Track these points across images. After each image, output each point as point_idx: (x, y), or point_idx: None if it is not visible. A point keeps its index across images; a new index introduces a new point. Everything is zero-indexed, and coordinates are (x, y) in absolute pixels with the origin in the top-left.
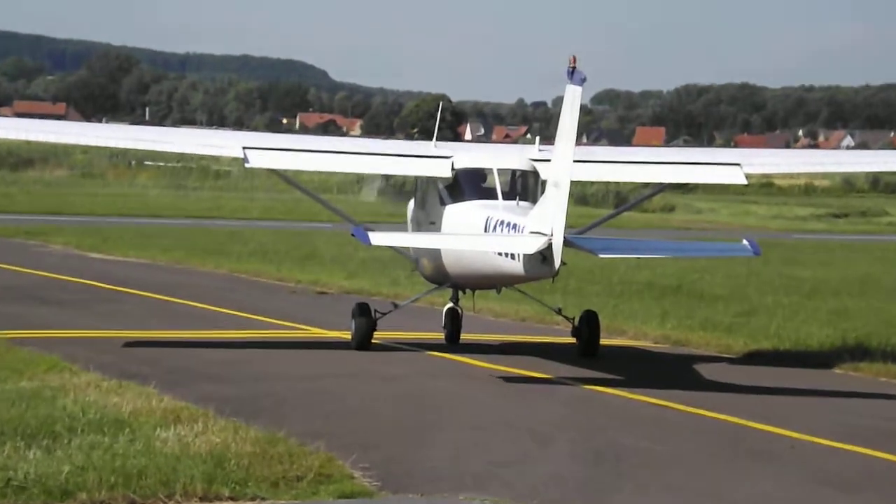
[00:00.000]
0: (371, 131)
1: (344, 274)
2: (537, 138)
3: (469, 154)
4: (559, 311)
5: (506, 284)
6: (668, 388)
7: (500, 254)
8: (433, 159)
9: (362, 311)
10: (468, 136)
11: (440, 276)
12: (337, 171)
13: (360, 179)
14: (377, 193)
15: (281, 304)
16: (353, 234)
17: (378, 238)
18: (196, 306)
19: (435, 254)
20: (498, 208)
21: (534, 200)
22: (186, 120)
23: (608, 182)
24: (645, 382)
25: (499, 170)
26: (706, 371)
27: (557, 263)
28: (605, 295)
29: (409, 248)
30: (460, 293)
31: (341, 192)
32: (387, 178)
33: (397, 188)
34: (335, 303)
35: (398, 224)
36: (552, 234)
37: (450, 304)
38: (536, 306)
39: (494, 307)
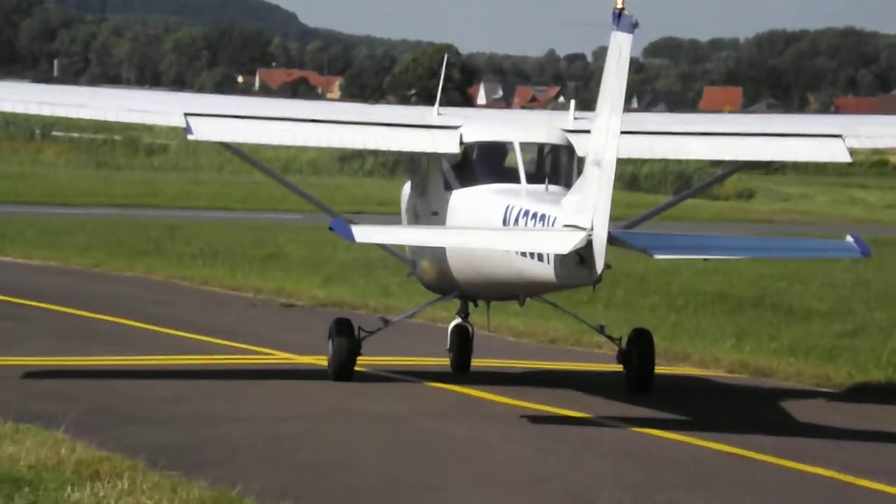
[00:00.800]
0: (354, 94)
1: (318, 280)
2: (572, 103)
3: (483, 124)
4: (601, 330)
5: (531, 294)
6: (747, 433)
7: (523, 254)
8: (436, 130)
9: (342, 329)
10: (482, 99)
11: (445, 283)
12: (309, 145)
13: (342, 157)
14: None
15: (235, 320)
16: (331, 228)
17: (363, 233)
18: (122, 324)
19: (438, 254)
20: (521, 194)
21: (568, 185)
22: (108, 77)
23: (666, 160)
24: (715, 425)
25: (522, 144)
26: (797, 410)
27: (600, 267)
28: (663, 308)
29: (403, 246)
30: (471, 305)
31: (315, 172)
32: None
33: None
34: (306, 318)
35: (390, 215)
36: (592, 229)
37: (457, 321)
38: (571, 323)
39: (516, 324)
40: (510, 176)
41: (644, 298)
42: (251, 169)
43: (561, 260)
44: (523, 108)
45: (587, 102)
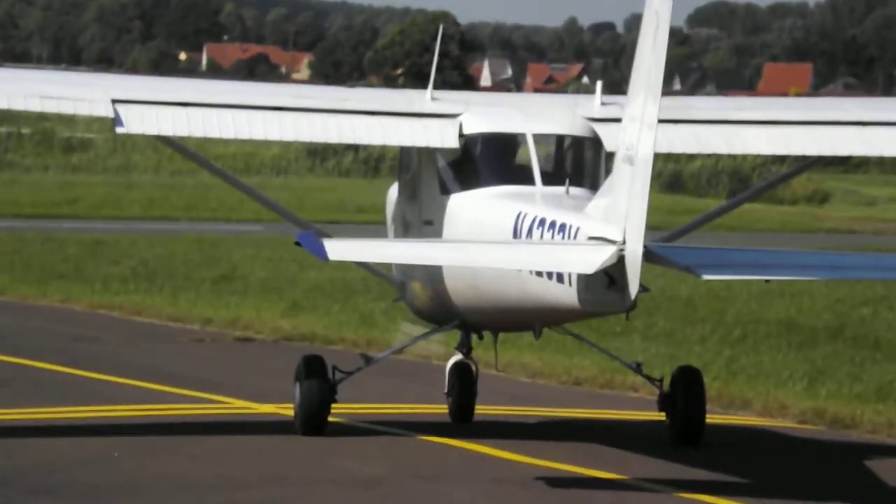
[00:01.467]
0: (326, 74)
1: (282, 308)
2: (599, 84)
3: (488, 111)
4: (637, 369)
5: (549, 323)
6: (824, 501)
7: (538, 273)
8: (429, 120)
9: (312, 369)
10: (486, 80)
11: (441, 309)
12: (270, 139)
13: (312, 153)
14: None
15: (178, 360)
16: (298, 243)
17: (338, 249)
18: (32, 367)
19: (433, 274)
20: (535, 199)
21: (594, 187)
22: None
23: (717, 155)
24: (782, 490)
25: (536, 136)
26: (888, 472)
27: (634, 289)
28: (715, 341)
29: (390, 264)
30: (474, 338)
31: (279, 172)
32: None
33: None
34: (268, 356)
35: (372, 226)
36: (625, 242)
37: (457, 357)
38: (599, 359)
39: (530, 361)
40: (522, 176)
41: (691, 329)
42: (197, 169)
43: (586, 281)
44: (538, 91)
45: (617, 84)
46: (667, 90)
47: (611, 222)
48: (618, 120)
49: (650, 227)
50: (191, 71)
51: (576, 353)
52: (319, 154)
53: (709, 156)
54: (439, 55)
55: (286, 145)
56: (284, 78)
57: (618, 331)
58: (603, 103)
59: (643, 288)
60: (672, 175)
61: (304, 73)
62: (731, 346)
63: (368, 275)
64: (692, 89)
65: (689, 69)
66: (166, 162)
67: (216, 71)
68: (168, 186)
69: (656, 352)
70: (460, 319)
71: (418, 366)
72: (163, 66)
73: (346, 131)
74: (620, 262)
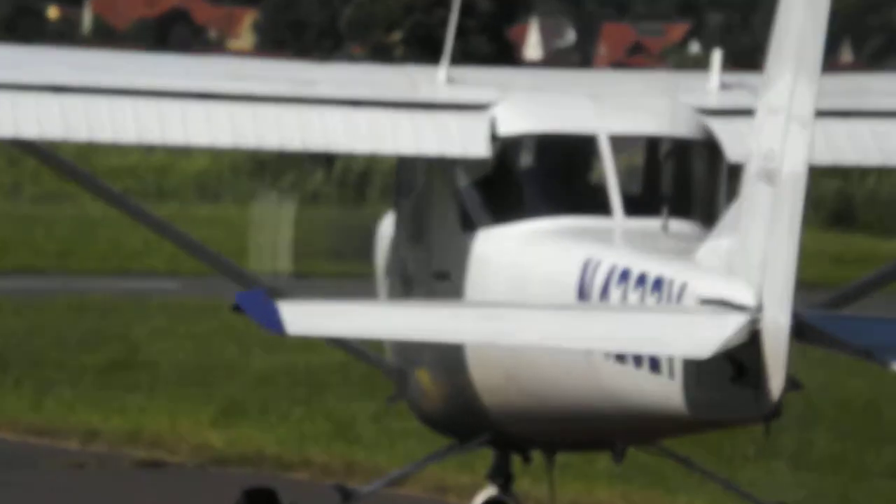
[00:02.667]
0: (279, 40)
1: (210, 411)
2: (717, 55)
3: (536, 100)
4: None
5: (637, 439)
6: None
7: (619, 358)
8: (443, 114)
9: None
10: (534, 49)
11: (465, 415)
12: (193, 145)
13: (258, 167)
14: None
15: (44, 497)
16: (237, 307)
17: (303, 317)
18: None
19: (451, 358)
20: (613, 238)
21: (708, 219)
22: None
23: None
24: None
25: (615, 138)
26: None
27: (778, 385)
28: None
29: (382, 342)
30: (515, 461)
31: (206, 196)
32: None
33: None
34: (187, 489)
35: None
36: (761, 308)
37: (490, 492)
38: (721, 498)
39: (609, 499)
40: (592, 202)
41: (874, 453)
42: (78, 192)
43: (698, 370)
44: (617, 65)
45: (746, 54)
46: (830, 62)
47: (738, 276)
48: (748, 112)
49: (804, 285)
50: (66, 35)
51: (681, 487)
52: (270, 169)
53: None
54: (460, 12)
55: (218, 155)
56: (215, 47)
57: (751, 454)
58: (723, 86)
59: (793, 383)
60: (840, 200)
61: (246, 39)
62: None
63: (348, 358)
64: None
65: (869, 30)
66: (28, 182)
67: (106, 35)
68: (29, 220)
69: (816, 488)
70: (493, 431)
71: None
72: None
73: (312, 134)
74: (755, 340)
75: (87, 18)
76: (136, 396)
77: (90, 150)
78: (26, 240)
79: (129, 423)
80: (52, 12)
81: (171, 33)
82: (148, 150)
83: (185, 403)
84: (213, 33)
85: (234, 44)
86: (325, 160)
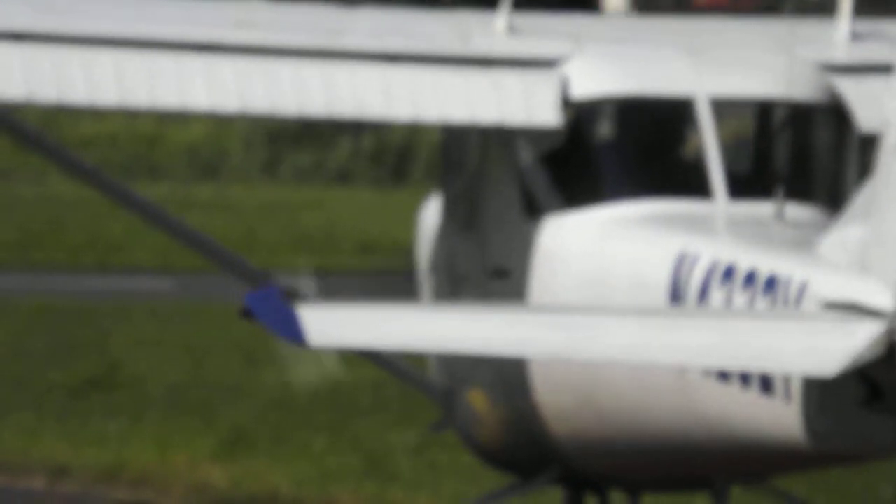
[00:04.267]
0: None
1: (211, 442)
2: (847, 2)
3: (618, 55)
4: None
5: (745, 476)
6: None
7: (721, 376)
8: (502, 71)
9: None
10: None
11: (528, 444)
12: (194, 109)
13: (278, 135)
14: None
15: None
16: (248, 313)
17: (326, 326)
18: None
19: (510, 376)
20: (714, 226)
21: (834, 203)
22: None
23: None
24: None
25: (717, 101)
26: None
27: None
28: None
29: (425, 357)
30: (590, 500)
31: (208, 174)
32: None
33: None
34: None
35: (391, 277)
36: None
37: None
38: None
39: None
40: (688, 182)
41: None
42: (44, 168)
43: (822, 393)
44: (716, 9)
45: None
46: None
47: (872, 274)
48: (886, 69)
49: None
50: None
51: None
52: (287, 141)
53: None
54: None
55: (222, 124)
56: None
57: (887, 495)
58: (854, 36)
59: None
60: None
61: None
62: None
63: (382, 375)
64: None
65: None
66: None
67: None
68: None
69: None
70: (564, 465)
71: None
72: None
73: (340, 97)
74: (893, 353)
75: None
76: (116, 423)
77: (59, 115)
78: None
79: (107, 457)
80: None
81: None
82: (132, 115)
83: (179, 432)
84: None
85: None
86: (354, 131)
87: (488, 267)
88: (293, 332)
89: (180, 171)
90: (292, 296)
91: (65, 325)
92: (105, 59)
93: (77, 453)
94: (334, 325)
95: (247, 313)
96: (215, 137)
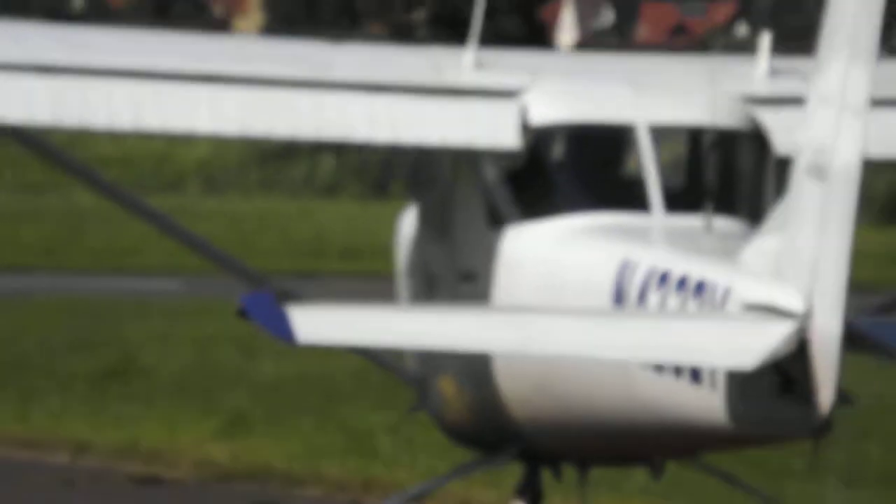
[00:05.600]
0: (290, 18)
1: (213, 423)
2: (765, 38)
3: (570, 87)
4: None
5: (677, 454)
6: None
7: (657, 369)
8: (470, 101)
9: None
10: (568, 30)
11: (493, 427)
12: (198, 132)
13: (266, 157)
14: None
15: None
16: (243, 312)
17: (316, 324)
18: None
19: (476, 367)
20: (652, 237)
21: (754, 217)
22: None
23: None
24: None
25: (655, 128)
26: None
27: (828, 398)
28: None
29: (402, 349)
30: (547, 475)
31: (211, 188)
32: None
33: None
34: None
35: (372, 279)
36: (811, 314)
37: None
38: None
39: None
40: (630, 197)
41: None
42: (68, 183)
43: (742, 383)
44: (657, 48)
45: (797, 38)
46: (888, 47)
47: (786, 279)
48: (799, 101)
49: (856, 287)
50: (57, 11)
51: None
52: (280, 159)
53: None
54: None
55: (223, 145)
56: (221, 25)
57: (799, 468)
58: (772, 72)
59: (843, 396)
60: (893, 197)
61: (255, 17)
62: None
63: (365, 365)
64: None
65: None
66: (11, 172)
67: (102, 13)
68: (13, 214)
69: None
70: (522, 443)
71: None
72: (8, 2)
73: (328, 122)
74: (803, 349)
75: None
76: (131, 406)
77: (81, 137)
78: (9, 235)
79: (123, 436)
80: None
81: (171, 10)
82: (145, 137)
83: (186, 414)
84: (218, 10)
85: (242, 23)
86: (339, 148)
87: (457, 271)
88: (283, 331)
89: (187, 185)
90: (284, 297)
91: (86, 320)
92: (121, 89)
93: (97, 432)
94: (320, 325)
95: (242, 313)
96: (218, 157)
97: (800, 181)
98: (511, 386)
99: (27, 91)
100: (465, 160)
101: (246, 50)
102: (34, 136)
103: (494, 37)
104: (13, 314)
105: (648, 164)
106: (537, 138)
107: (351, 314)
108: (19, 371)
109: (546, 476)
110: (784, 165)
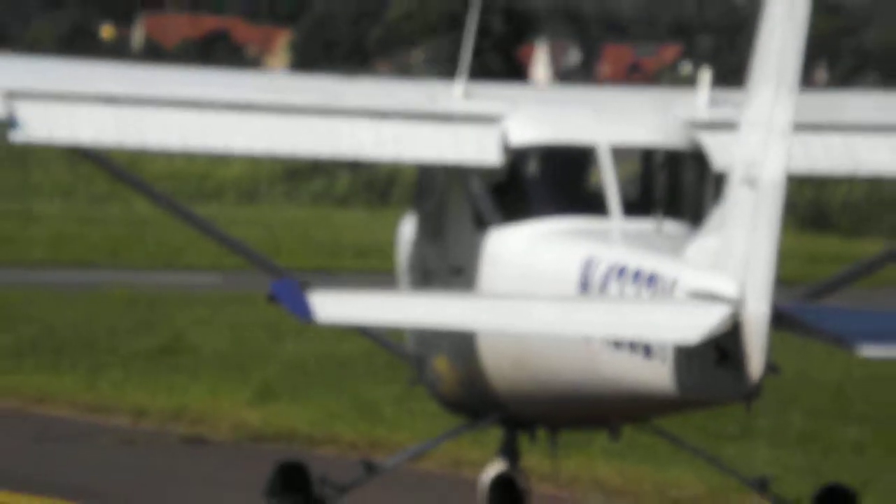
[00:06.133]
0: (312, 58)
1: (247, 393)
2: (705, 74)
3: (544, 113)
4: (763, 487)
5: (632, 418)
6: None
7: (616, 345)
8: (460, 125)
9: (291, 482)
10: (542, 67)
11: (476, 397)
12: (234, 152)
13: (291, 173)
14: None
15: (97, 469)
16: (273, 297)
17: (332, 307)
18: None
19: (463, 345)
20: (612, 237)
21: (697, 220)
22: None
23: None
24: None
25: (615, 148)
26: None
27: (758, 369)
28: (879, 449)
29: (403, 331)
30: (523, 438)
31: (245, 199)
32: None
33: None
34: (226, 464)
35: (378, 274)
36: (743, 299)
37: (498, 467)
38: (707, 473)
39: (606, 473)
40: (593, 204)
41: (842, 430)
42: (128, 195)
43: (686, 356)
44: (617, 82)
45: (732, 73)
46: (807, 81)
47: (723, 271)
48: (733, 125)
49: (782, 281)
50: (119, 52)
51: (671, 462)
52: (303, 175)
53: (869, 180)
54: (476, 33)
55: (255, 162)
56: (254, 63)
57: (734, 432)
58: (711, 101)
59: (771, 367)
60: (813, 206)
61: (282, 56)
62: None
63: (372, 346)
64: (845, 80)
65: (842, 50)
66: (83, 185)
67: (155, 52)
68: (84, 220)
69: (791, 463)
70: (502, 411)
71: (442, 478)
72: (78, 44)
73: (342, 142)
74: (737, 328)
75: (137, 38)
76: (180, 378)
77: (138, 157)
78: (82, 236)
79: (174, 403)
80: (106, 31)
81: (213, 51)
82: (191, 156)
83: (225, 385)
84: (251, 51)
85: (271, 61)
86: (352, 167)
87: (449, 266)
88: (305, 312)
89: (225, 196)
90: (305, 286)
91: (143, 308)
92: (172, 116)
93: (152, 400)
94: (336, 307)
95: (272, 298)
96: (251, 173)
97: (734, 191)
98: (493, 363)
99: (96, 118)
100: (455, 174)
101: (274, 84)
102: (101, 156)
103: (480, 72)
104: (83, 303)
105: (608, 178)
106: (516, 156)
107: (362, 299)
108: (89, 350)
109: (522, 439)
110: (721, 179)
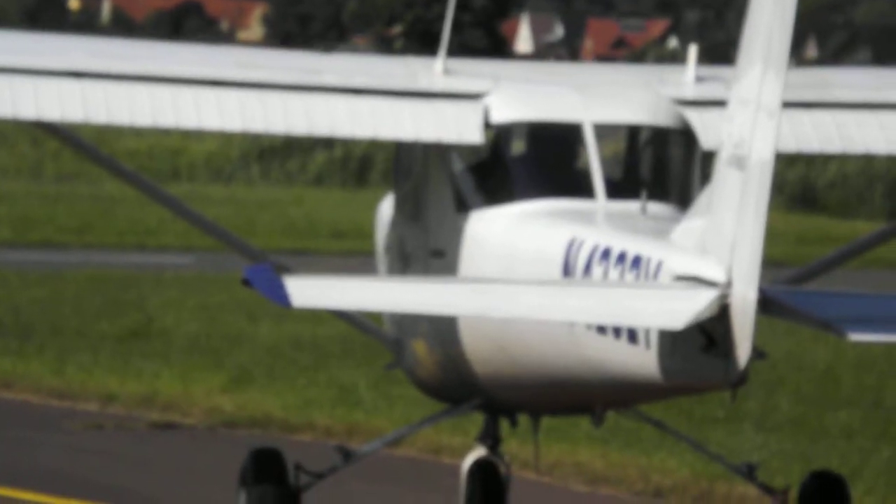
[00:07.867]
0: (287, 31)
1: (221, 378)
2: (693, 50)
3: (527, 90)
4: (749, 474)
5: (616, 404)
6: None
7: (600, 330)
8: (440, 102)
9: (266, 469)
10: (525, 42)
11: (456, 382)
12: (205, 129)
13: (265, 152)
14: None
15: (64, 455)
16: (247, 282)
17: (307, 291)
18: None
19: (443, 329)
20: (596, 219)
21: (683, 202)
22: None
23: (870, 156)
24: None
25: (598, 126)
26: None
27: (745, 354)
28: (868, 435)
29: (381, 315)
30: (504, 424)
31: (217, 178)
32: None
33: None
34: (198, 450)
35: (356, 256)
36: (730, 284)
37: (479, 453)
38: (692, 459)
39: (589, 461)
40: (577, 185)
41: (831, 415)
42: (97, 173)
43: (672, 341)
44: (602, 58)
45: (720, 49)
46: (797, 57)
47: (710, 254)
48: (721, 103)
49: (770, 263)
50: (86, 25)
51: (656, 448)
52: (277, 153)
53: (858, 158)
54: (457, 8)
55: (228, 139)
56: (227, 37)
57: (720, 416)
58: (699, 78)
59: (758, 352)
60: (802, 185)
61: (256, 30)
62: (893, 442)
63: (350, 329)
64: (835, 57)
65: (833, 26)
66: (49, 162)
67: (124, 26)
68: (52, 198)
69: (779, 448)
70: (483, 397)
71: (421, 464)
72: (44, 17)
73: (317, 119)
74: (724, 313)
75: (106, 10)
76: (151, 363)
77: (108, 133)
78: (49, 216)
79: (144, 388)
80: (73, 3)
81: (184, 24)
82: (162, 132)
83: (198, 370)
84: (224, 25)
85: (244, 35)
86: (328, 144)
87: (429, 249)
88: (280, 297)
89: (198, 175)
90: (281, 269)
91: (113, 289)
92: (142, 91)
93: (122, 385)
94: (311, 292)
95: (246, 282)
96: (224, 150)
97: (722, 171)
98: (474, 347)
99: (62, 93)
100: (435, 153)
101: (248, 58)
102: (68, 132)
103: (461, 48)
104: (51, 284)
105: (593, 157)
106: (497, 135)
107: (337, 283)
108: (56, 333)
109: (503, 425)
110: (708, 158)
